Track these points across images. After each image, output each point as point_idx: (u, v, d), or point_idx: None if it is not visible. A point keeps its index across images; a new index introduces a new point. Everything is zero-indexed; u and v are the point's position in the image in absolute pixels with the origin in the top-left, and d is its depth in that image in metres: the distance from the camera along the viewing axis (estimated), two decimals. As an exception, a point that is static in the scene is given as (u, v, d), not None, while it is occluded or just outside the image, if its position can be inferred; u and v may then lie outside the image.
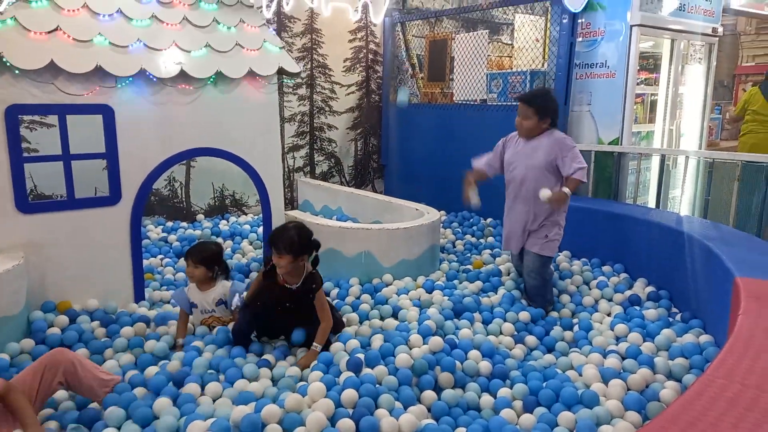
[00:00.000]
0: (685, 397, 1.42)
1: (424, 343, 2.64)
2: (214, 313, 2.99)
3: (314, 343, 2.65)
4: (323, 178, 6.07)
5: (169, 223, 4.95)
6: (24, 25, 2.78)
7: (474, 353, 2.59)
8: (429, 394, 2.34)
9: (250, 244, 4.49)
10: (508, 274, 3.77)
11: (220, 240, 4.59)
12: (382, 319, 3.16)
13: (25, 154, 2.96)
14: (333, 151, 6.14)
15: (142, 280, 3.36)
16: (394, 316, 3.21)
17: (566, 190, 3.14)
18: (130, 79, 3.08)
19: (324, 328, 2.69)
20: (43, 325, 2.84)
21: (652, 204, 4.61)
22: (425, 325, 2.77)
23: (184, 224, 4.99)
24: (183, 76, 3.23)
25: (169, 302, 3.42)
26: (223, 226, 4.89)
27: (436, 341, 2.57)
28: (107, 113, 3.08)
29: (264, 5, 5.26)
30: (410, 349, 2.61)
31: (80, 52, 2.91)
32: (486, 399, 2.36)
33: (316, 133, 5.97)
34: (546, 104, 3.21)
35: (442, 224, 5.24)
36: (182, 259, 4.13)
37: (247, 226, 4.87)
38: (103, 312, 3.11)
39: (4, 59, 2.71)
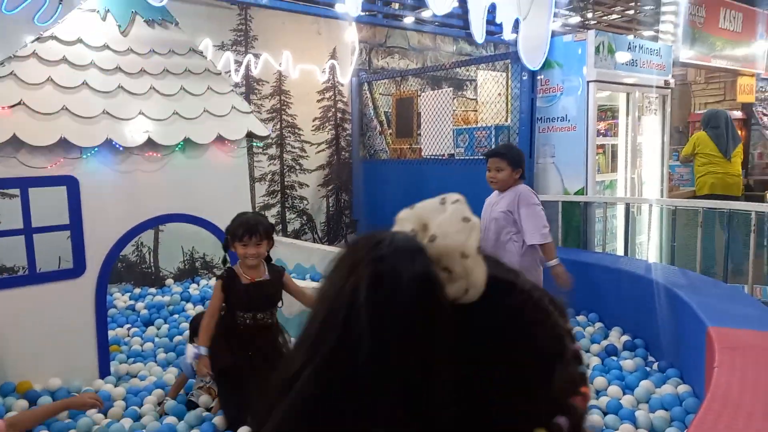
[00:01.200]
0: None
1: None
2: (209, 384, 2.91)
3: None
4: (295, 235, 6.03)
5: (137, 290, 4.82)
6: (-14, 101, 2.75)
7: None
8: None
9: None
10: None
11: (190, 305, 4.48)
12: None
13: (-15, 229, 2.87)
14: (305, 208, 6.13)
15: (107, 354, 3.23)
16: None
17: (554, 262, 3.12)
18: (96, 149, 3.05)
19: None
20: (1, 411, 2.68)
21: (620, 251, 4.69)
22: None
23: (153, 290, 4.86)
24: (150, 144, 3.22)
25: (136, 376, 3.29)
26: (194, 290, 4.78)
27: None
28: (72, 184, 3.02)
29: (232, 70, 5.36)
30: None
31: (44, 125, 2.89)
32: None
33: (287, 191, 5.97)
34: (516, 155, 3.27)
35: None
36: (150, 327, 4.04)
37: (219, 290, 4.76)
38: (66, 391, 2.96)
39: (-36, 135, 2.66)
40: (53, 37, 3.02)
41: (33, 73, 2.93)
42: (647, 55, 5.05)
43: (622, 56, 4.74)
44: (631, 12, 7.64)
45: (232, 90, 3.64)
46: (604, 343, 3.43)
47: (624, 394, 2.77)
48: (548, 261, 3.12)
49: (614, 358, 3.27)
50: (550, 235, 3.14)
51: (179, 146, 3.34)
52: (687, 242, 3.94)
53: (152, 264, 5.07)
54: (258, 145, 5.45)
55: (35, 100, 2.89)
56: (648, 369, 3.08)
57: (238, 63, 5.42)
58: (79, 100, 3.02)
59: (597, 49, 4.46)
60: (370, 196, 6.30)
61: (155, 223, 3.37)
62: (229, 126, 3.53)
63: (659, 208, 4.46)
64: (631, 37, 5.25)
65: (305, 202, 6.12)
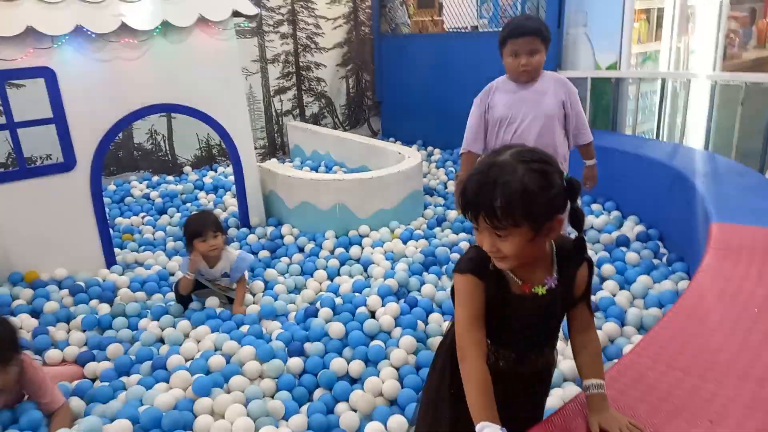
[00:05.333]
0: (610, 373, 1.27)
1: (382, 305, 2.53)
2: (219, 283, 2.88)
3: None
4: (314, 120, 5.86)
5: (155, 178, 4.89)
6: (-59, -12, 2.60)
7: (436, 315, 2.48)
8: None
9: (233, 196, 4.39)
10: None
11: (203, 193, 4.52)
12: (351, 276, 3.05)
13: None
14: (323, 91, 5.88)
15: (110, 244, 3.31)
16: (366, 271, 3.10)
17: (592, 162, 2.67)
18: (68, 37, 2.90)
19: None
20: (8, 299, 2.84)
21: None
22: (385, 285, 2.65)
23: (170, 178, 4.92)
24: (126, 29, 3.03)
25: (142, 265, 3.39)
26: (208, 179, 4.80)
27: (393, 307, 2.45)
28: (49, 76, 2.92)
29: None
30: (369, 312, 2.51)
31: (8, 13, 2.73)
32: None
33: (303, 73, 5.70)
34: (549, 31, 2.48)
35: (435, 163, 5.03)
36: (163, 216, 4.06)
37: (232, 178, 4.75)
38: (72, 281, 3.09)
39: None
40: None
41: (-11, -45, 2.72)
42: None
43: None
44: None
45: (213, -37, 3.31)
46: (615, 234, 3.22)
47: (621, 289, 2.62)
48: (589, 159, 2.68)
49: (624, 249, 3.07)
50: None
51: (158, 30, 3.14)
52: (726, 124, 3.51)
53: (168, 152, 5.08)
54: (245, 25, 5.09)
55: (-6, -14, 2.71)
56: (656, 262, 2.88)
57: (239, -70, 4.94)
58: (42, -17, 2.82)
59: None
60: (393, 76, 5.94)
61: (143, 113, 3.26)
62: (212, 5, 3.27)
63: (709, 83, 3.93)
64: None
65: (323, 84, 5.85)
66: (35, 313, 2.77)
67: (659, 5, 4.39)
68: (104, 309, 2.83)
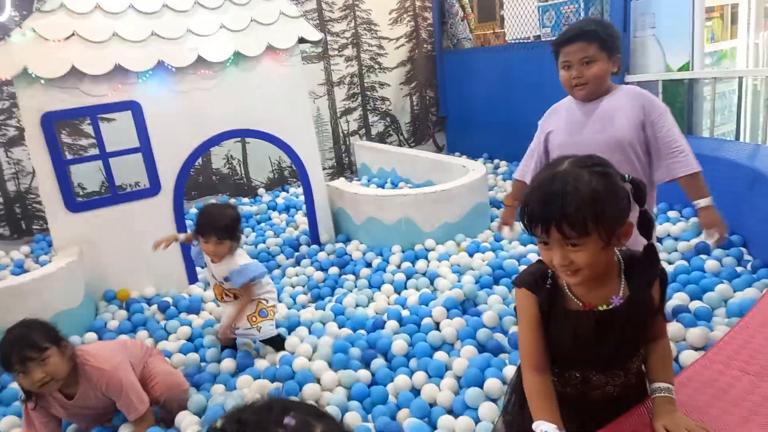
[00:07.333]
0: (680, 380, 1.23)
1: (448, 317, 2.55)
2: (223, 284, 2.59)
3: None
4: (380, 138, 5.98)
5: (232, 200, 5.15)
6: (42, 35, 2.91)
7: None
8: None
9: (304, 215, 4.54)
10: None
11: (276, 213, 4.71)
12: (417, 289, 3.09)
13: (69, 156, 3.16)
14: (387, 109, 6.00)
15: (192, 262, 3.53)
16: (433, 284, 3.13)
17: (707, 201, 1.96)
18: (150, 72, 3.16)
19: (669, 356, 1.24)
20: (103, 323, 3.05)
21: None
22: (451, 297, 2.67)
23: (246, 200, 5.17)
24: (202, 61, 3.26)
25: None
26: (280, 200, 5.00)
27: (457, 320, 2.47)
28: (135, 109, 3.19)
29: (297, -31, 5.16)
30: (435, 323, 2.54)
31: (98, 53, 3.02)
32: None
33: (368, 93, 5.85)
34: (612, 32, 1.96)
35: (501, 176, 5.00)
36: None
37: (302, 198, 4.93)
38: (159, 298, 3.31)
39: (30, 71, 2.86)
40: (94, -35, 3.07)
41: (81, 3, 3.03)
42: None
43: None
44: None
45: (279, -6, 3.51)
46: (695, 241, 3.07)
47: (698, 299, 2.49)
48: (698, 199, 1.97)
49: (704, 257, 2.92)
50: None
51: (230, 61, 3.35)
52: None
53: (244, 175, 5.35)
54: (312, 51, 5.27)
55: (87, 30, 3.01)
56: (740, 269, 2.72)
57: (304, -39, 5.20)
58: (127, 25, 3.10)
59: None
60: (456, 91, 5.98)
61: (219, 139, 3.48)
62: (279, 34, 3.45)
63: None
64: None
65: (388, 102, 5.98)
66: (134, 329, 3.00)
67: (733, 1, 4.19)
68: (195, 321, 3.01)
